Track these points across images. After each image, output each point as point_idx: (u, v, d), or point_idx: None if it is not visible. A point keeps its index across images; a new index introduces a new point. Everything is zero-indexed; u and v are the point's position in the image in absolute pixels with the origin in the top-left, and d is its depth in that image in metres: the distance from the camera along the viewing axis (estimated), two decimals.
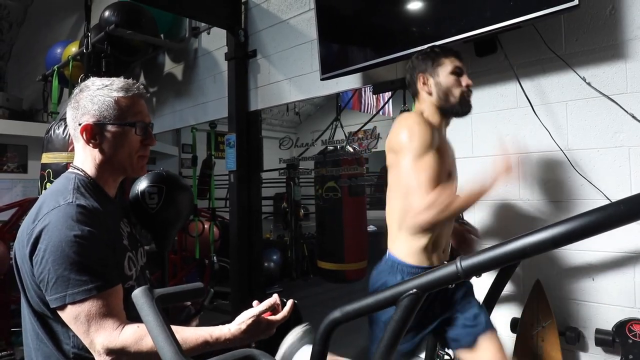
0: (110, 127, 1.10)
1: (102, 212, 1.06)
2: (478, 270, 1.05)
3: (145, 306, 0.82)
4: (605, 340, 1.71)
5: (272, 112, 10.86)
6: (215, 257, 4.49)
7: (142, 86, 1.18)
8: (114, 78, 1.15)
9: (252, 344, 1.15)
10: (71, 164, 1.16)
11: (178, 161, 8.29)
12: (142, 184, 2.25)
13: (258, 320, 1.04)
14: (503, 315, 1.95)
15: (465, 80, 1.55)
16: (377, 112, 6.68)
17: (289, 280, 6.61)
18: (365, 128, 3.91)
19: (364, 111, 7.80)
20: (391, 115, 7.70)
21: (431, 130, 1.49)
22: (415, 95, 1.65)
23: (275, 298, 1.10)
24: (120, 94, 1.11)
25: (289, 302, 1.11)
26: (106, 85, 1.11)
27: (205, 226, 4.37)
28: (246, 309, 1.08)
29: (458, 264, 1.05)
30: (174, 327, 0.98)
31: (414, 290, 1.13)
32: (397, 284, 1.19)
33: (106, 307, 0.97)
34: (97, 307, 0.96)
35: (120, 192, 1.35)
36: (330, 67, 2.45)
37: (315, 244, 5.25)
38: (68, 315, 0.96)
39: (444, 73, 1.54)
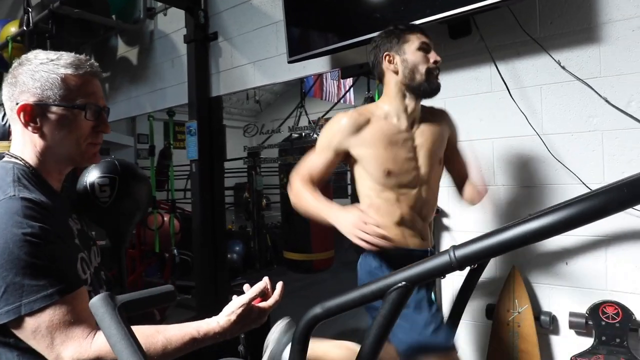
0: (54, 109, 0.94)
1: (52, 206, 0.92)
2: (473, 259, 0.99)
3: (107, 316, 0.69)
4: (578, 323, 1.72)
5: (232, 101, 10.57)
6: (176, 251, 4.31)
7: (96, 64, 1.03)
8: (63, 52, 0.98)
9: (241, 334, 1.06)
10: (7, 152, 1.00)
11: (134, 152, 7.91)
12: (91, 175, 1.98)
13: (249, 308, 0.95)
14: (478, 302, 1.94)
15: (433, 57, 1.48)
16: (339, 101, 6.61)
17: (252, 272, 6.52)
18: (330, 115, 3.83)
19: (325, 99, 7.72)
20: (352, 103, 7.67)
21: (342, 127, 1.49)
22: (380, 77, 1.57)
23: (265, 282, 1.01)
24: (69, 71, 0.95)
25: (279, 285, 1.03)
26: (52, 60, 0.95)
27: (165, 219, 4.18)
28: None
29: (451, 253, 0.99)
30: (156, 327, 0.88)
31: (403, 282, 1.07)
32: (384, 277, 1.12)
33: (72, 314, 0.83)
34: (60, 314, 0.82)
35: (69, 183, 1.20)
36: (298, 49, 2.34)
37: (281, 234, 5.16)
38: (25, 329, 0.81)
39: (411, 49, 1.47)
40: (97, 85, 1.02)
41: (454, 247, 0.98)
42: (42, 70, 0.94)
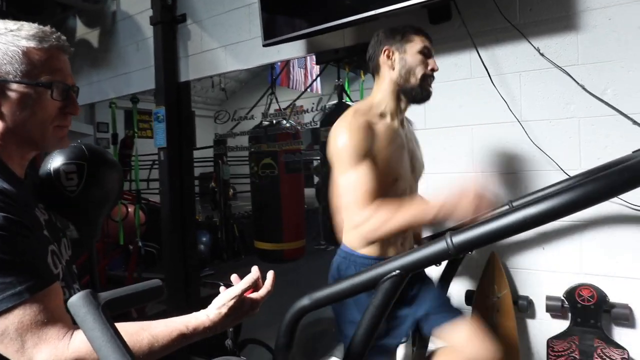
0: (14, 86, 0.83)
1: (16, 194, 0.82)
2: (471, 246, 0.97)
3: (89, 317, 0.62)
4: (554, 306, 1.75)
5: (196, 89, 10.31)
6: (141, 242, 4.16)
7: (63, 37, 0.93)
8: (24, 22, 0.88)
9: (230, 328, 1.01)
10: None
11: (93, 141, 7.58)
12: (55, 162, 1.83)
13: (241, 300, 0.90)
14: (457, 288, 1.95)
15: (432, 64, 1.46)
16: (306, 89, 6.54)
17: (220, 262, 6.41)
18: (299, 103, 3.77)
19: (292, 88, 7.64)
20: (319, 92, 7.62)
21: (365, 130, 1.36)
22: (375, 71, 1.53)
23: (256, 272, 0.95)
24: (32, 44, 0.85)
25: (270, 275, 0.98)
26: (11, 30, 0.84)
27: (130, 210, 4.02)
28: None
29: (448, 240, 0.97)
30: (140, 324, 0.81)
31: (397, 271, 1.04)
32: (377, 265, 1.09)
33: (44, 312, 0.75)
34: (31, 314, 0.74)
35: (32, 170, 1.10)
36: (273, 32, 2.26)
37: (252, 224, 5.09)
38: None
39: (412, 50, 1.45)
40: (65, 61, 0.92)
41: (451, 232, 0.96)
42: (0, 42, 0.84)
